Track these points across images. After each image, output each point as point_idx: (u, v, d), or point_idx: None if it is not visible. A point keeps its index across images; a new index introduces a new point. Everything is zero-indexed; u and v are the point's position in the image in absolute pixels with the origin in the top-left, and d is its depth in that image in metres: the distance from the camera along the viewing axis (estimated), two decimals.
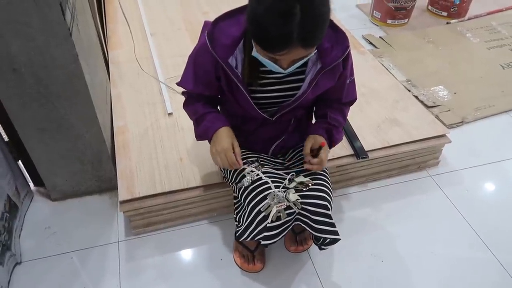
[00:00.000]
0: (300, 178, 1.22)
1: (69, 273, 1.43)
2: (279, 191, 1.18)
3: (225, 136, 1.19)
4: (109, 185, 1.69)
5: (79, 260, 1.47)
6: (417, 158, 1.79)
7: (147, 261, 1.47)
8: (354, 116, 1.78)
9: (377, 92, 1.98)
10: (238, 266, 1.44)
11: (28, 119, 1.38)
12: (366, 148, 1.65)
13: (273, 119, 1.22)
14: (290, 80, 1.17)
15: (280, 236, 1.19)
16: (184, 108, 1.31)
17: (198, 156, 1.60)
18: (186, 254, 1.50)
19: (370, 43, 2.70)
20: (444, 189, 1.76)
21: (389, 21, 2.88)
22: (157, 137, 1.69)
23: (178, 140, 1.68)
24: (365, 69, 2.14)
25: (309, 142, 1.23)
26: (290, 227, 1.21)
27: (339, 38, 1.12)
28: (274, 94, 1.18)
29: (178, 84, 1.24)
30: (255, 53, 1.04)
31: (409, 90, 2.19)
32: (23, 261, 1.45)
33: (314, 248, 1.46)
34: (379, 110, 1.87)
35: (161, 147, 1.64)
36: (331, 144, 1.30)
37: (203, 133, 1.25)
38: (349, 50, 1.14)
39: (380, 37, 2.75)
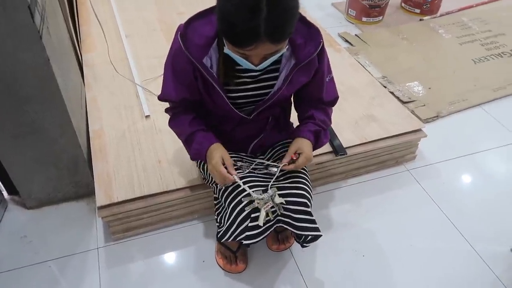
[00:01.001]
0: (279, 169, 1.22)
1: (48, 282, 1.40)
2: (263, 190, 1.17)
3: (213, 153, 1.18)
4: (86, 191, 1.65)
5: (58, 269, 1.43)
6: (394, 153, 1.82)
7: (128, 266, 1.44)
8: (332, 113, 1.79)
9: (354, 89, 2.01)
10: (221, 267, 1.43)
11: None
12: (344, 145, 1.67)
13: (251, 117, 1.22)
14: (266, 78, 1.17)
15: (262, 236, 1.19)
16: (170, 126, 1.29)
17: (177, 158, 1.58)
18: (168, 258, 1.48)
19: (346, 41, 2.73)
20: (421, 183, 1.79)
21: (364, 19, 2.92)
22: (134, 140, 1.66)
23: (156, 142, 1.65)
24: (341, 66, 2.16)
25: (293, 147, 1.22)
26: (273, 227, 1.20)
27: (312, 33, 1.12)
28: (250, 93, 1.18)
29: (160, 97, 1.21)
30: (226, 50, 1.04)
31: (385, 87, 2.22)
32: None
33: (296, 246, 1.47)
34: (356, 106, 1.89)
35: (139, 149, 1.62)
36: (317, 146, 1.29)
37: (196, 155, 1.24)
38: (323, 45, 1.15)
39: (355, 34, 2.78)
